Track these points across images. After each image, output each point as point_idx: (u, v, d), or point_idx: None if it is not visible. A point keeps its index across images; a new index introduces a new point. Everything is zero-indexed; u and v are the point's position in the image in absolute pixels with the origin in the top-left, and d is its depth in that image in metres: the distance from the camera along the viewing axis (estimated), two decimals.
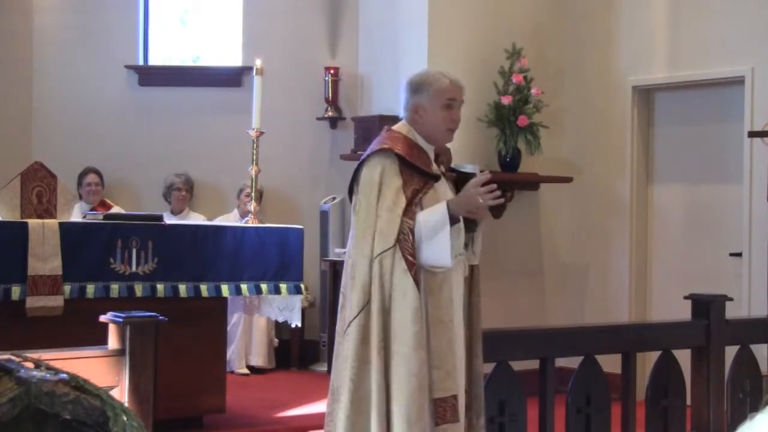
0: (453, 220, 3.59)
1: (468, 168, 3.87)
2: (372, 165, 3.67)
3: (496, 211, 7.37)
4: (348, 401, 3.56)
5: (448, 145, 4.03)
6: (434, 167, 3.78)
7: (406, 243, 3.54)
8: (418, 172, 3.69)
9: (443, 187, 3.79)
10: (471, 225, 3.76)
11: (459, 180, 3.82)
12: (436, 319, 3.59)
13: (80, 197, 7.81)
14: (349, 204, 4.04)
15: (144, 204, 8.09)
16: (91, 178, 7.96)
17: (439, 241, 3.56)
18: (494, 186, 3.65)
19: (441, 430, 3.57)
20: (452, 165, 4.00)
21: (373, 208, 3.61)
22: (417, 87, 3.77)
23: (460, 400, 3.65)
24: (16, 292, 5.03)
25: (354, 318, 3.57)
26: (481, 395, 3.81)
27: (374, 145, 3.75)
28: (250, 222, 6.00)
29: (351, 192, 3.78)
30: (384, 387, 3.53)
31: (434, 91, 3.73)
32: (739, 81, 6.74)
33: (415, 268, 3.54)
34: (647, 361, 5.76)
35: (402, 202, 3.60)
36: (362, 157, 3.76)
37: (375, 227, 3.59)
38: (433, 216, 3.59)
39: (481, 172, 3.77)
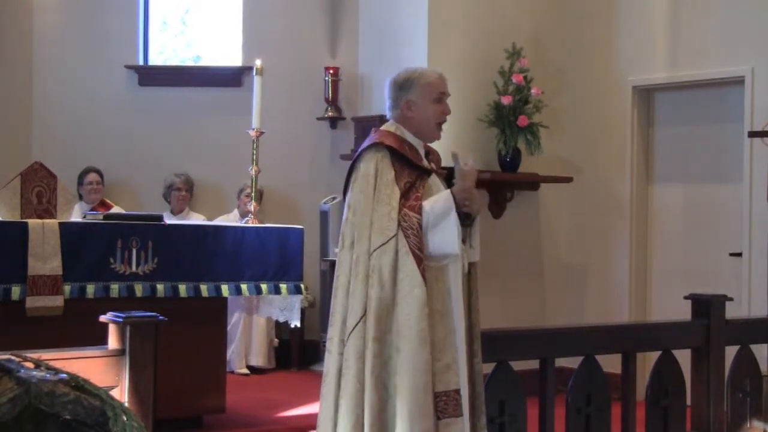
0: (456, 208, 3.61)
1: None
2: (366, 159, 3.71)
3: (498, 208, 7.37)
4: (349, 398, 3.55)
5: (435, 147, 4.01)
6: (425, 162, 3.79)
7: (414, 238, 3.54)
8: (410, 166, 3.70)
9: (436, 183, 3.81)
10: (466, 219, 3.75)
11: (451, 176, 3.84)
12: (433, 310, 3.56)
13: (80, 197, 7.82)
14: None
15: (144, 204, 8.09)
16: (92, 177, 7.99)
17: (445, 228, 3.56)
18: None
19: (443, 424, 3.53)
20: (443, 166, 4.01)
21: (370, 201, 3.63)
22: (404, 83, 3.79)
23: (464, 394, 3.61)
24: (16, 292, 5.03)
25: (359, 320, 3.56)
26: (481, 394, 3.80)
27: (366, 142, 3.78)
28: (250, 222, 6.00)
29: (346, 189, 3.79)
30: (381, 382, 3.50)
31: (423, 85, 3.77)
32: (739, 81, 6.73)
33: (423, 264, 3.53)
34: (647, 361, 5.76)
35: (396, 194, 3.62)
36: (356, 154, 3.80)
37: (372, 221, 3.60)
38: (438, 204, 3.61)
39: (462, 161, 3.78)
